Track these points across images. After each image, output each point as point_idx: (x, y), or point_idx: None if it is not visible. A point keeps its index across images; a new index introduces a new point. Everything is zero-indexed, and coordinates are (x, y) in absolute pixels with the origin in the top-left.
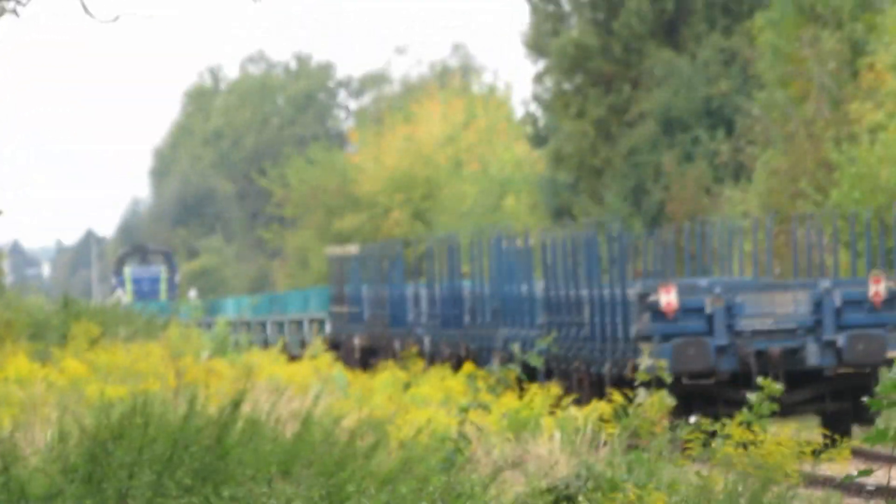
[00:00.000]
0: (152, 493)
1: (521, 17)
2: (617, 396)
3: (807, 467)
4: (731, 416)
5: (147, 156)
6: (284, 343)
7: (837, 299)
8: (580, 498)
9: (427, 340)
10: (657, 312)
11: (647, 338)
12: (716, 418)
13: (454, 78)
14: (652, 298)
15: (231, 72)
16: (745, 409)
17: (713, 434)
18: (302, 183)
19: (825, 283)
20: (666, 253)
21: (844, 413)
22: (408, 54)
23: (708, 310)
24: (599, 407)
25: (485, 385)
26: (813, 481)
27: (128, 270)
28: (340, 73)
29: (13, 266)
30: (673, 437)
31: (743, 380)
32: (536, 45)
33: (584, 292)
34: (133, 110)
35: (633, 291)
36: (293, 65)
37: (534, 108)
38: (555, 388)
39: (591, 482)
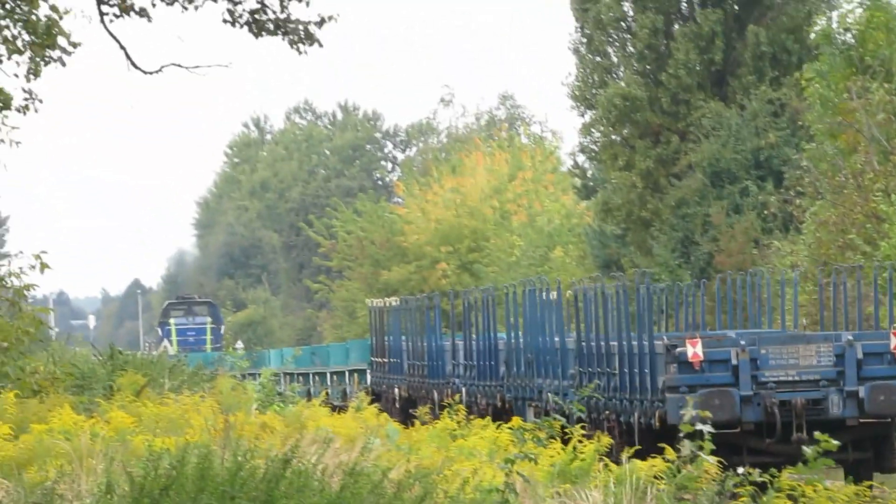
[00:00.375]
0: None
1: (566, 68)
2: (670, 452)
3: None
4: (755, 466)
5: (192, 206)
6: (327, 394)
7: (859, 351)
8: None
9: (464, 391)
10: (684, 364)
11: (674, 388)
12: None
13: (501, 129)
14: (679, 350)
15: (276, 123)
16: (799, 464)
17: (762, 486)
18: (349, 235)
19: (847, 336)
20: (691, 305)
21: (866, 462)
22: (453, 105)
23: (733, 361)
24: (657, 462)
25: (531, 436)
26: None
27: (173, 321)
28: (387, 122)
29: (59, 317)
30: (720, 490)
31: (767, 430)
32: (583, 97)
33: (614, 343)
34: (178, 161)
35: (660, 343)
36: (339, 115)
37: (581, 159)
38: (605, 438)
39: None
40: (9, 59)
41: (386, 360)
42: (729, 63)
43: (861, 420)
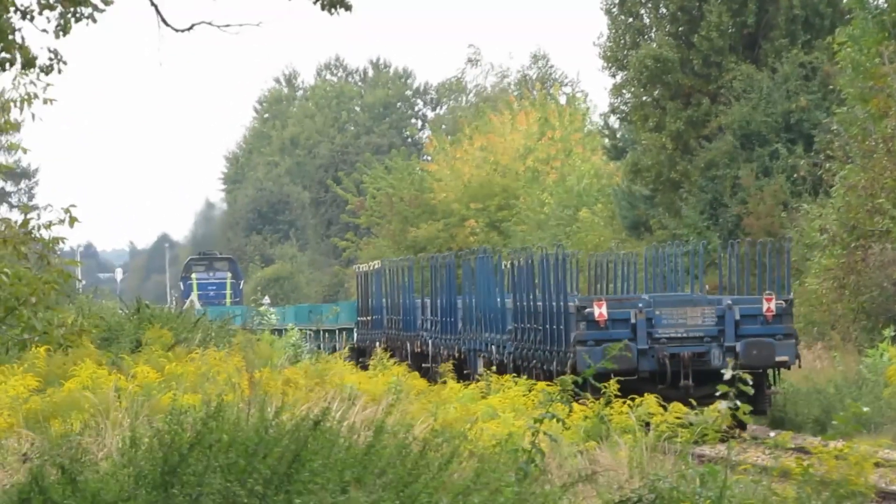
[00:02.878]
0: (223, 501)
1: (597, 28)
2: (679, 406)
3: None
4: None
5: (221, 161)
6: (351, 350)
7: (737, 313)
8: None
9: (430, 343)
10: (591, 322)
11: (582, 342)
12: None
13: (534, 88)
14: (587, 310)
15: (307, 79)
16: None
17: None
18: (378, 192)
19: (727, 301)
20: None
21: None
22: (480, 64)
23: (632, 320)
24: (669, 417)
25: (557, 396)
26: (887, 496)
27: (195, 276)
28: (418, 80)
29: (87, 270)
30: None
31: (660, 377)
32: (615, 58)
33: (540, 304)
34: (208, 116)
35: (573, 305)
36: (370, 72)
37: (611, 120)
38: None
39: (664, 495)
40: (40, 13)
41: (369, 318)
42: (761, 26)
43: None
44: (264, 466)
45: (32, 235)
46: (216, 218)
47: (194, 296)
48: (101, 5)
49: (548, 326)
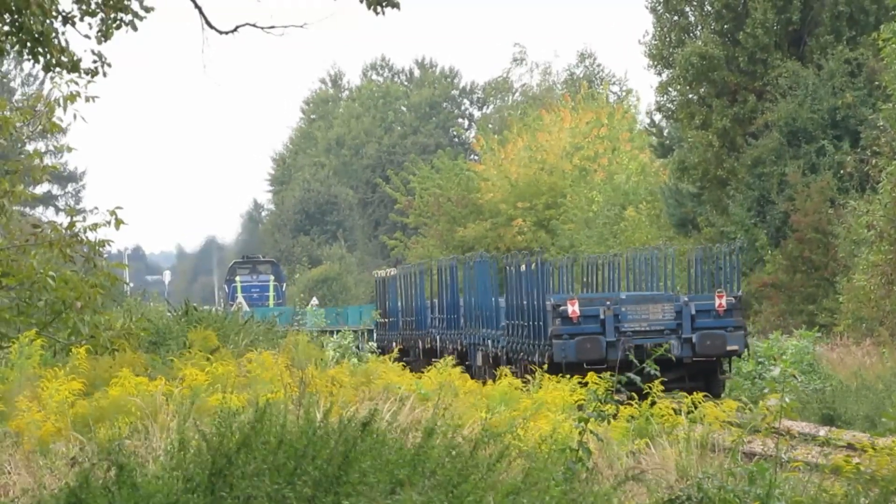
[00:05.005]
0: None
1: (642, 26)
2: (730, 403)
3: None
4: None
5: (268, 163)
6: (401, 350)
7: (692, 308)
8: None
9: (438, 338)
10: (565, 318)
11: (558, 336)
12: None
13: (581, 87)
14: (562, 308)
15: (353, 79)
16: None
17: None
18: (425, 191)
19: (684, 298)
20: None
21: (699, 390)
22: (526, 63)
23: (601, 316)
24: (717, 413)
25: (606, 395)
26: None
27: (238, 279)
28: (464, 79)
29: (135, 273)
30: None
31: (626, 366)
32: (660, 56)
33: (525, 303)
34: (254, 118)
35: (549, 303)
36: (416, 72)
37: (657, 118)
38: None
39: (710, 495)
40: (81, 20)
41: (387, 319)
42: (806, 23)
43: (694, 358)
44: (313, 468)
45: (78, 238)
46: (263, 219)
47: (241, 298)
48: (141, 12)
49: (531, 323)
